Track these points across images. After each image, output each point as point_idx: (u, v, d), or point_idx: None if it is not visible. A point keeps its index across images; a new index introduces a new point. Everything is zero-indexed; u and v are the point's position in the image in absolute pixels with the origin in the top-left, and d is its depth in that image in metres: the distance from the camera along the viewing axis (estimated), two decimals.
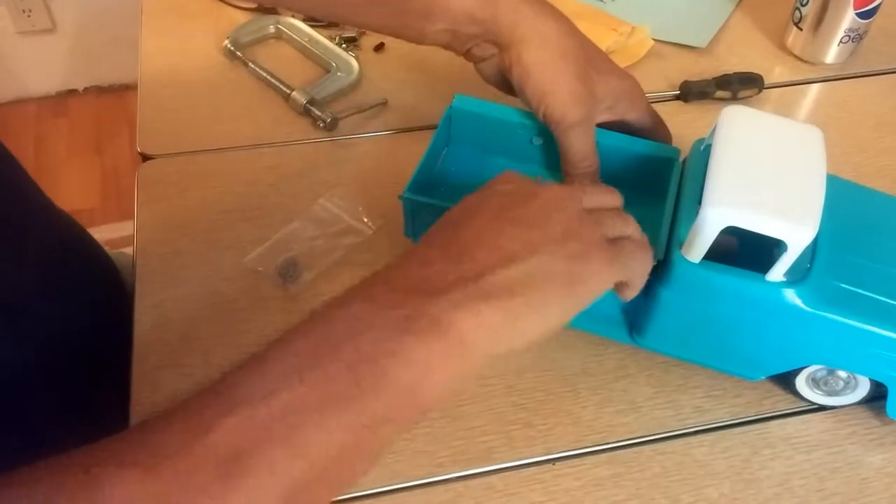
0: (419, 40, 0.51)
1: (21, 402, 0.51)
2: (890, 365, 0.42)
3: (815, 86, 0.69)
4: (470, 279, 0.33)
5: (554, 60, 0.48)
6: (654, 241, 0.41)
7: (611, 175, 0.50)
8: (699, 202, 0.40)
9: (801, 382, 0.45)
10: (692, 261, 0.41)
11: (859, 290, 0.41)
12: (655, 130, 0.54)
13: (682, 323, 0.43)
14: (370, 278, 0.35)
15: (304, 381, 0.30)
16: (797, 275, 0.39)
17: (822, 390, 0.45)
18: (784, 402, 0.47)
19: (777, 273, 0.39)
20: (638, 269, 0.39)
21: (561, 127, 0.48)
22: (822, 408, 0.47)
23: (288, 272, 0.53)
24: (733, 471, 0.44)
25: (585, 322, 0.44)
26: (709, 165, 0.41)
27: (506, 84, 0.52)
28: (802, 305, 0.40)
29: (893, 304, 0.41)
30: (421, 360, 0.31)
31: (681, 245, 0.41)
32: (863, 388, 0.44)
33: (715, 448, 0.45)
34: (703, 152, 0.45)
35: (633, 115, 0.52)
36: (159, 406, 0.46)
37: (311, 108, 0.64)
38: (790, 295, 0.40)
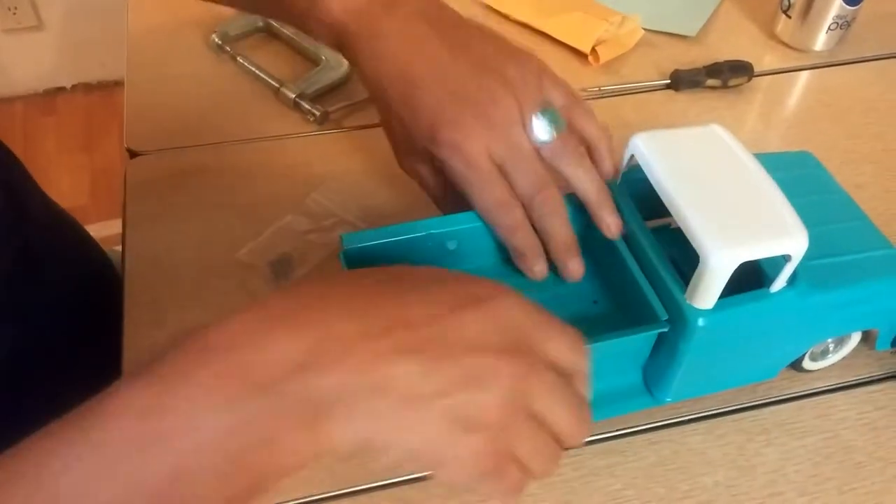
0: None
1: (6, 398, 0.51)
2: (876, 312, 0.45)
3: (805, 73, 0.69)
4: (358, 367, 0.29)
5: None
6: (639, 308, 0.41)
7: None
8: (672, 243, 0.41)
9: (807, 361, 0.46)
10: (706, 307, 0.39)
11: (837, 263, 0.43)
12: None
13: (704, 365, 0.42)
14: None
15: None
16: (790, 277, 0.40)
17: (821, 359, 0.47)
18: (777, 389, 0.47)
19: (780, 283, 0.40)
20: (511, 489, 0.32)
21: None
22: (815, 393, 0.47)
23: (281, 267, 0.53)
24: (728, 458, 0.44)
25: (606, 411, 0.43)
26: (672, 207, 0.40)
27: None
28: (804, 300, 0.41)
29: (863, 258, 0.44)
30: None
31: (683, 296, 0.40)
32: (854, 339, 0.47)
33: (709, 436, 0.45)
34: (623, 185, 0.46)
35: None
36: None
37: (301, 102, 0.63)
38: (794, 297, 0.40)
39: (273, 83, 0.65)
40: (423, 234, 0.45)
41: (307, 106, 0.63)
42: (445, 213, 0.47)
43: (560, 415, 0.32)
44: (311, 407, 0.28)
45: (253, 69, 0.66)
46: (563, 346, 0.33)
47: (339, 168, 0.60)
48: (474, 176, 0.43)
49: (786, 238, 0.38)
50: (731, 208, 0.39)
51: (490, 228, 0.45)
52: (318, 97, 0.65)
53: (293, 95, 0.64)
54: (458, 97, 0.42)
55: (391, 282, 0.33)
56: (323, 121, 0.63)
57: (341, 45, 0.47)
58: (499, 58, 0.44)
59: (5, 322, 0.50)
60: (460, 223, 0.45)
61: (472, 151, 0.42)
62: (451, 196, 0.46)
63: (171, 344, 0.29)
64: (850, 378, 0.48)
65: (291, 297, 0.31)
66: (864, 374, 0.48)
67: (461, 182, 0.43)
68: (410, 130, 0.44)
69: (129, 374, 0.28)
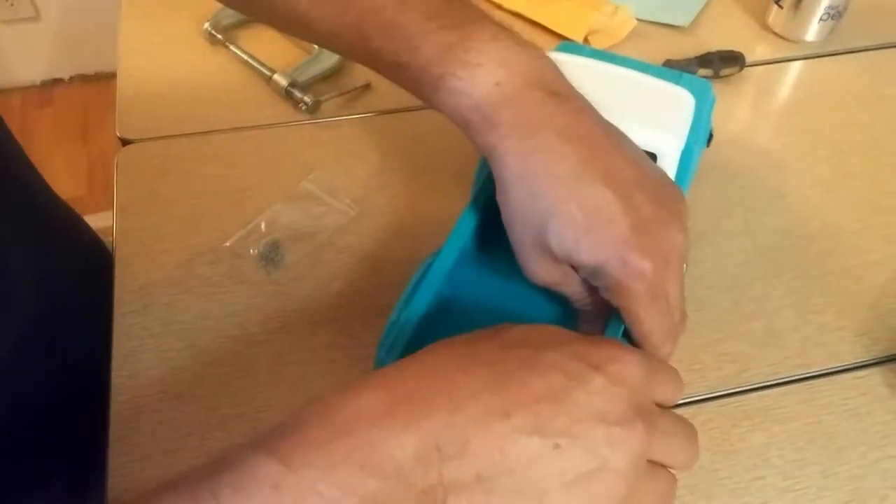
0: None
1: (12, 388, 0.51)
2: None
3: (796, 63, 0.69)
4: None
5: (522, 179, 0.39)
6: None
7: None
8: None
9: None
10: None
11: None
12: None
13: None
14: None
15: None
16: None
17: None
18: (761, 375, 0.47)
19: None
20: None
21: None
22: (800, 379, 0.47)
23: (270, 256, 0.53)
24: (713, 443, 0.44)
25: None
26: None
27: None
28: None
29: None
30: None
31: None
32: None
33: (694, 421, 0.45)
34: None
35: (615, 305, 0.40)
36: (139, 392, 0.46)
37: (293, 90, 0.64)
38: None
39: (265, 71, 0.65)
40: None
41: (299, 94, 0.63)
42: (589, 315, 0.45)
43: (676, 452, 0.33)
44: (441, 493, 0.28)
45: (245, 57, 0.67)
46: (672, 388, 0.35)
47: (329, 156, 0.60)
48: (651, 309, 0.39)
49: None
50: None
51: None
52: (310, 86, 0.65)
53: (285, 84, 0.64)
54: (638, 226, 0.39)
55: (505, 351, 0.33)
56: (314, 109, 0.63)
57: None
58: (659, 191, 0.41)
59: (10, 311, 0.50)
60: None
61: (658, 283, 0.39)
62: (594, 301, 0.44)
63: (294, 417, 0.30)
64: (835, 364, 0.48)
65: (413, 374, 0.32)
66: (849, 361, 0.48)
67: (629, 303, 0.39)
68: (567, 233, 0.39)
69: (252, 445, 0.29)
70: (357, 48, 0.43)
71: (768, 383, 0.47)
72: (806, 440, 0.45)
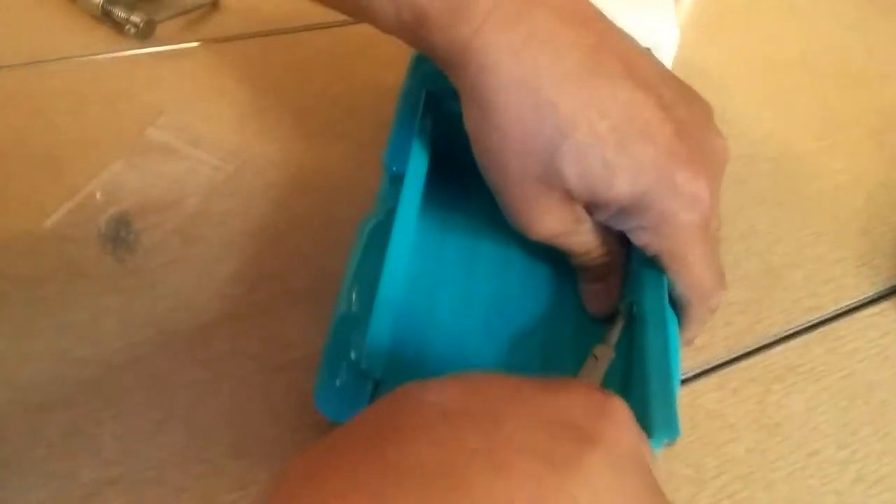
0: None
1: None
2: None
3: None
4: None
5: (514, 128, 0.27)
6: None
7: None
8: None
9: None
10: None
11: None
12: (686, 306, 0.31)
13: None
14: None
15: None
16: None
17: None
18: (776, 325, 0.39)
19: None
20: None
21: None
22: (816, 324, 0.40)
23: (119, 235, 0.37)
24: (751, 417, 0.36)
25: None
26: None
27: None
28: None
29: None
30: None
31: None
32: None
33: (723, 391, 0.36)
34: None
35: (655, 250, 0.30)
36: None
37: (112, 8, 0.46)
38: None
39: None
40: None
41: (121, 14, 0.46)
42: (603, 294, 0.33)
43: None
44: None
45: None
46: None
47: (182, 95, 0.44)
48: (705, 245, 0.29)
49: None
50: None
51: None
52: (137, 3, 0.48)
53: (100, 0, 0.46)
54: (680, 133, 0.28)
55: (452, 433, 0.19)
56: (147, 34, 0.46)
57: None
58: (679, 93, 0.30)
59: None
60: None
61: (712, 209, 0.29)
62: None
63: None
64: (846, 301, 0.41)
65: (348, 463, 0.19)
66: (858, 296, 0.42)
67: (678, 243, 0.29)
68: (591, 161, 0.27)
69: None
70: None
71: (786, 333, 0.39)
72: (848, 398, 0.37)
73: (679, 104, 0.29)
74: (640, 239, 0.29)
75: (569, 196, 0.28)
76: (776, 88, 0.54)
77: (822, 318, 0.40)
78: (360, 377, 0.28)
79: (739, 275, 0.41)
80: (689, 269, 0.29)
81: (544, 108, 0.27)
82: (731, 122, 0.50)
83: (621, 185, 0.27)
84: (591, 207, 0.29)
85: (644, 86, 0.28)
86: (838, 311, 0.41)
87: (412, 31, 0.28)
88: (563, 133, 0.27)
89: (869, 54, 0.58)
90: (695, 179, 0.28)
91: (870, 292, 0.42)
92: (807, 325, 0.40)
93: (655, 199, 0.28)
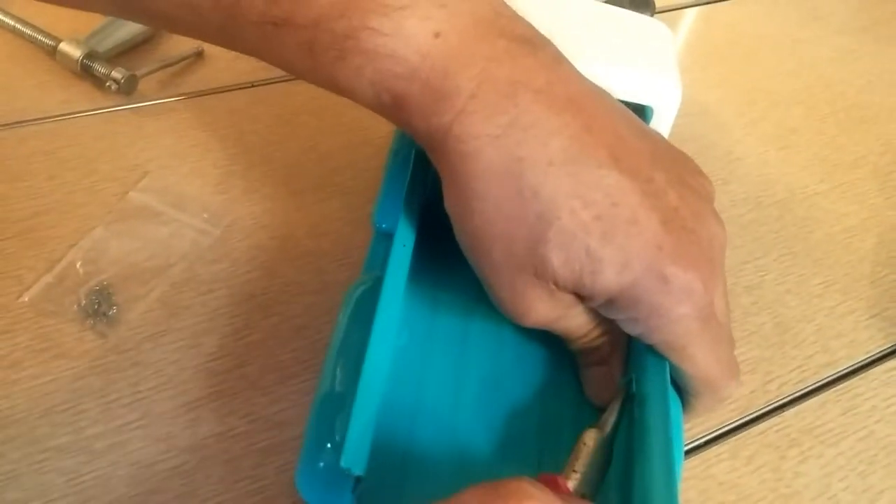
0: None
1: None
2: None
3: (705, 8, 0.61)
4: None
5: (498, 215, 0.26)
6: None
7: None
8: None
9: None
10: None
11: None
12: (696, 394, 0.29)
13: None
14: None
15: None
16: None
17: None
18: (789, 384, 0.38)
19: None
20: None
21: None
22: (831, 381, 0.38)
23: (99, 308, 0.35)
24: (767, 486, 0.34)
25: None
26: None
27: None
28: None
29: None
30: None
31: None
32: None
33: (737, 460, 0.35)
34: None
35: (651, 342, 0.28)
36: None
37: (92, 63, 0.45)
38: None
39: (47, 41, 0.45)
40: None
41: (102, 70, 0.45)
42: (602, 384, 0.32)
43: None
44: None
45: (13, 24, 0.46)
46: None
47: (164, 153, 0.42)
48: (706, 335, 0.27)
49: None
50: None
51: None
52: (117, 57, 0.46)
53: (79, 55, 0.45)
54: (669, 223, 0.27)
55: None
56: (130, 89, 0.45)
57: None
58: (684, 171, 0.29)
59: None
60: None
61: (708, 300, 0.27)
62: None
63: None
64: (861, 356, 0.40)
65: None
66: (873, 350, 0.40)
67: (674, 336, 0.27)
68: (576, 256, 0.26)
69: None
70: (203, 9, 0.26)
71: (800, 392, 0.38)
72: (866, 461, 0.35)
73: (671, 189, 0.27)
74: (633, 330, 0.28)
75: (554, 284, 0.27)
76: (779, 125, 0.52)
77: (836, 375, 0.39)
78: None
79: (749, 330, 0.40)
80: (692, 360, 0.28)
81: (526, 195, 0.25)
82: (738, 163, 0.49)
83: (607, 276, 0.26)
84: (580, 297, 0.28)
85: (632, 173, 0.26)
86: (853, 367, 0.39)
87: (392, 113, 0.26)
88: (546, 220, 0.25)
89: (869, 86, 0.57)
90: (684, 272, 0.26)
91: (885, 345, 0.40)
92: (821, 382, 0.38)
93: (644, 292, 0.26)
